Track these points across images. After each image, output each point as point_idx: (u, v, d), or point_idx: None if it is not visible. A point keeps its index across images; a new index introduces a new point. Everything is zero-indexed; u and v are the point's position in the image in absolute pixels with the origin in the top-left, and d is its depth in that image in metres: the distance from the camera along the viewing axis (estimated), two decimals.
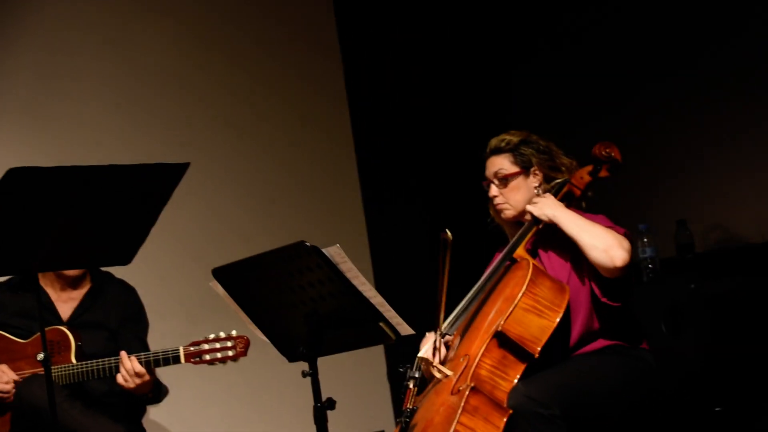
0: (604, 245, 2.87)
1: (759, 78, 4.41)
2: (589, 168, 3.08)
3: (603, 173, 3.07)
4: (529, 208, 3.05)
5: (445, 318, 3.00)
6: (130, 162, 2.57)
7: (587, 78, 5.11)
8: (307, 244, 2.53)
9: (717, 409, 3.04)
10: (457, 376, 2.80)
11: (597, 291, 2.95)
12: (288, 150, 5.22)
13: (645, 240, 4.15)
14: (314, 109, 5.32)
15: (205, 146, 4.93)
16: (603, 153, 3.05)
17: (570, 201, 3.09)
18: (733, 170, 4.52)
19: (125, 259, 2.44)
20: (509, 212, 3.14)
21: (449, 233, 2.80)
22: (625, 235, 2.94)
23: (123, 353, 3.42)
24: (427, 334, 3.15)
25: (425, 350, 2.96)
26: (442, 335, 2.97)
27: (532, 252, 3.09)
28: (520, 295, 2.83)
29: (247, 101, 5.12)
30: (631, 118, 4.87)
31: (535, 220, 3.05)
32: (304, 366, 2.64)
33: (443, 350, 2.99)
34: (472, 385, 2.72)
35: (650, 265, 4.13)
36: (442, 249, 2.82)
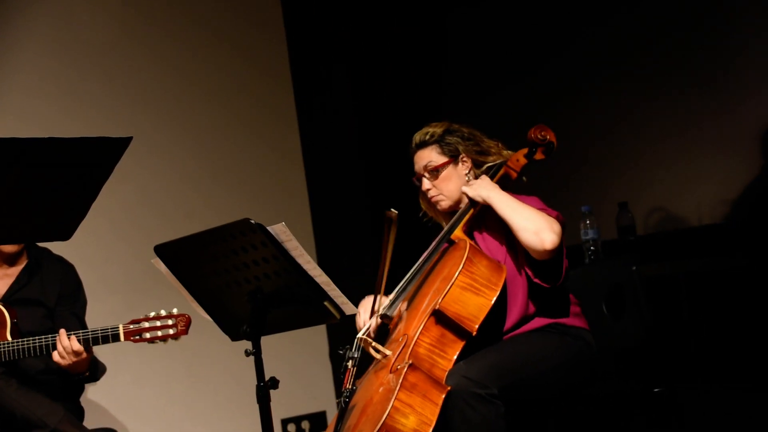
0: (535, 227, 2.89)
1: (700, 64, 4.47)
2: (525, 151, 3.12)
3: (539, 156, 3.11)
4: (464, 189, 3.07)
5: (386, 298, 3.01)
6: (69, 133, 2.51)
7: (528, 62, 5.13)
8: (252, 221, 2.50)
9: (656, 390, 3.08)
10: (395, 355, 2.81)
11: (529, 272, 2.98)
12: (233, 127, 5.19)
13: (587, 222, 4.19)
14: (259, 86, 5.30)
15: (149, 121, 4.87)
16: (539, 136, 3.09)
17: (506, 183, 3.13)
18: (674, 155, 4.58)
19: (65, 235, 2.38)
20: (445, 203, 3.16)
21: (394, 211, 2.80)
22: (557, 218, 2.97)
23: (62, 331, 3.36)
24: (366, 297, 3.15)
25: (364, 330, 2.97)
26: (383, 317, 2.97)
27: (468, 235, 3.11)
28: (457, 273, 2.85)
29: (192, 77, 5.07)
30: (575, 102, 4.92)
31: (471, 202, 3.07)
32: (247, 345, 2.62)
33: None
34: (410, 362, 2.73)
35: (592, 247, 4.17)
36: (387, 227, 2.82)
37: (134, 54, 4.89)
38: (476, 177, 3.13)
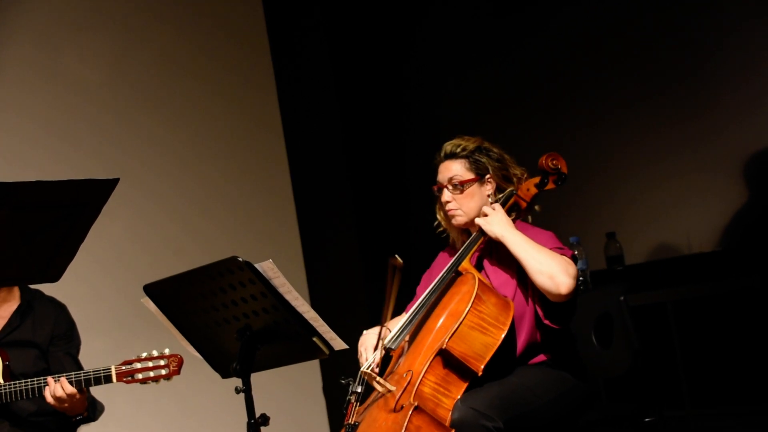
0: (550, 272, 2.86)
1: (688, 94, 4.51)
2: (536, 180, 3.07)
3: (549, 185, 3.06)
4: (479, 221, 3.03)
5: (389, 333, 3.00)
6: (59, 176, 2.52)
7: (519, 90, 5.16)
8: (240, 259, 2.51)
9: (647, 419, 3.09)
10: (400, 391, 2.80)
11: (540, 313, 2.96)
12: (221, 163, 5.20)
13: (576, 252, 4.19)
14: (247, 123, 5.32)
15: (136, 160, 4.88)
16: (550, 164, 3.04)
17: (516, 213, 3.09)
18: (662, 184, 4.61)
19: (53, 277, 2.39)
20: (461, 219, 3.12)
21: (399, 260, 2.79)
22: (572, 258, 2.95)
23: (49, 379, 3.35)
24: (366, 332, 3.13)
25: (367, 364, 2.95)
26: (386, 349, 2.96)
27: (478, 264, 3.09)
28: (466, 312, 2.82)
29: (179, 114, 5.09)
30: (562, 131, 4.94)
31: (483, 232, 3.04)
32: (237, 382, 2.62)
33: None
34: (416, 404, 2.72)
35: (581, 278, 4.18)
36: (391, 274, 2.80)
37: (123, 91, 4.91)
38: (493, 202, 3.10)
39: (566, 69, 4.95)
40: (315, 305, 2.97)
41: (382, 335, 2.95)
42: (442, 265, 3.17)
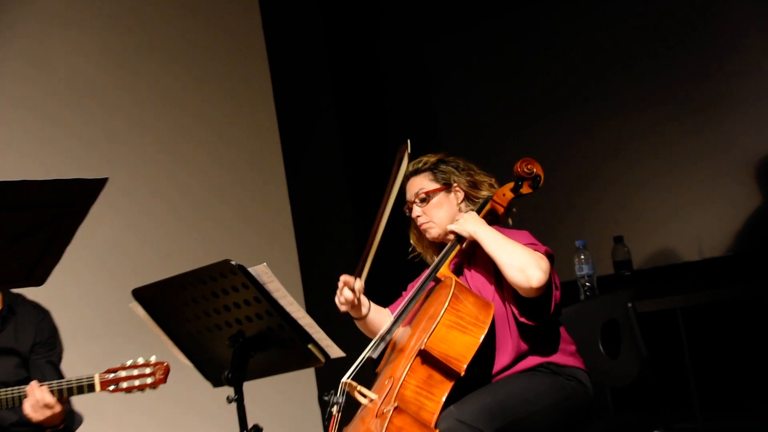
0: (521, 264, 2.92)
1: (697, 94, 4.53)
2: (511, 185, 3.16)
3: (525, 189, 3.15)
4: (450, 226, 3.11)
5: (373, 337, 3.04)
6: (44, 177, 2.55)
7: (524, 94, 5.20)
8: (233, 262, 2.53)
9: (656, 430, 3.12)
10: (381, 399, 2.81)
11: (515, 311, 3.01)
12: (213, 164, 5.22)
13: (582, 257, 4.21)
14: (241, 123, 5.34)
15: (125, 160, 4.90)
16: (525, 169, 3.14)
17: (494, 219, 3.17)
18: (672, 186, 4.63)
19: (38, 280, 2.41)
20: (434, 231, 3.20)
21: (408, 146, 2.93)
22: (546, 254, 2.99)
23: (34, 383, 3.37)
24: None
25: (348, 375, 2.97)
26: (368, 359, 3.00)
27: (456, 272, 3.15)
28: (443, 311, 2.86)
29: (170, 117, 5.11)
30: (570, 134, 4.97)
31: (458, 238, 3.10)
32: (229, 391, 2.63)
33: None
34: (396, 404, 2.72)
35: (587, 283, 4.20)
36: (399, 160, 2.92)
37: (111, 92, 4.93)
38: (467, 210, 3.17)
39: (576, 69, 4.98)
40: (311, 311, 2.99)
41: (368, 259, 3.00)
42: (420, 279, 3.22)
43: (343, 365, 3.10)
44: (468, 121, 5.45)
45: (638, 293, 3.57)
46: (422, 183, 3.22)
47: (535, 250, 3.02)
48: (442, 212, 3.19)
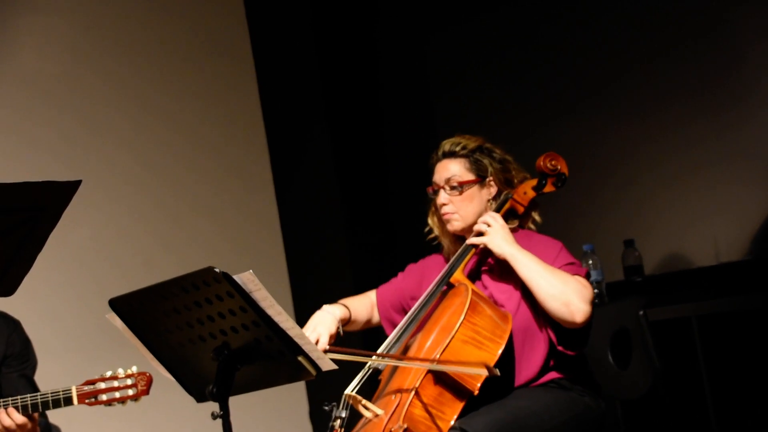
0: (564, 298, 2.86)
1: (709, 97, 4.51)
2: (533, 182, 3.08)
3: (548, 188, 3.07)
4: (482, 240, 3.01)
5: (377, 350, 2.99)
6: (14, 177, 2.50)
7: (533, 92, 5.17)
8: (216, 269, 2.49)
9: None
10: (388, 415, 2.77)
11: (553, 339, 2.95)
12: (195, 164, 5.19)
13: (590, 262, 4.21)
14: (223, 114, 5.34)
15: (101, 160, 4.87)
16: (549, 165, 3.06)
17: (513, 219, 3.09)
18: (687, 186, 4.60)
19: (7, 291, 2.36)
20: (457, 224, 3.11)
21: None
22: (586, 276, 2.94)
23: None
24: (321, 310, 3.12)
25: (352, 387, 2.93)
26: (373, 370, 2.94)
27: (474, 274, 3.07)
28: (458, 325, 2.81)
29: (149, 112, 5.09)
30: (578, 133, 4.94)
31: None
32: (214, 407, 2.58)
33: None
34: (405, 426, 2.70)
35: (596, 290, 4.17)
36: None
37: (89, 89, 4.89)
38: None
39: (590, 66, 4.95)
40: (301, 321, 2.94)
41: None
42: (434, 274, 3.14)
43: (335, 377, 3.04)
44: (470, 122, 5.40)
45: (650, 300, 3.54)
46: (456, 169, 3.10)
47: (574, 272, 2.95)
48: (471, 207, 3.09)
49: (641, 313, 3.35)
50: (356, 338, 3.22)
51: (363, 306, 3.25)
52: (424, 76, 5.60)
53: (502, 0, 5.26)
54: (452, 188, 3.10)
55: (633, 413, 3.79)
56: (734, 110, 4.44)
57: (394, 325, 3.18)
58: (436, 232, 3.21)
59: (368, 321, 3.27)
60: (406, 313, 3.16)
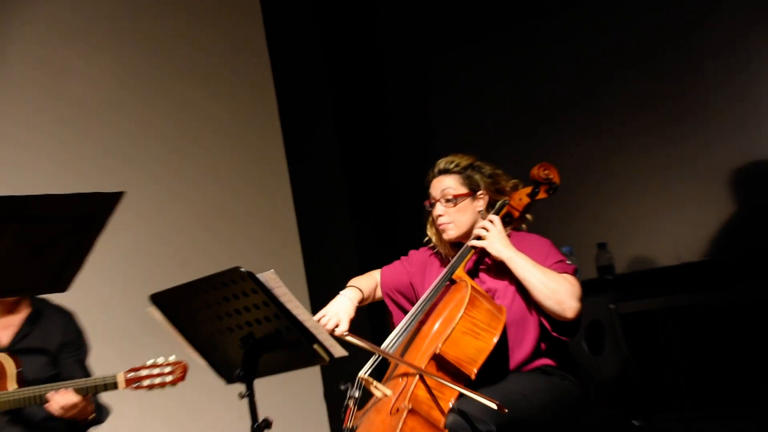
0: (557, 296, 2.87)
1: (677, 106, 4.50)
2: (528, 190, 3.07)
3: (541, 195, 3.06)
4: (481, 243, 3.02)
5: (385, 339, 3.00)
6: (66, 187, 2.52)
7: (509, 102, 5.14)
8: (242, 269, 2.50)
9: (635, 422, 3.08)
10: (396, 395, 2.80)
11: (548, 326, 2.95)
12: (224, 178, 5.20)
13: (569, 262, 4.17)
14: (249, 137, 5.33)
15: (143, 174, 4.88)
16: (542, 174, 3.05)
17: (510, 222, 3.09)
18: (653, 195, 4.59)
19: (62, 287, 2.39)
20: (452, 233, 3.12)
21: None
22: (574, 273, 2.95)
23: (50, 395, 3.33)
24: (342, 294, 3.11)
25: (365, 370, 2.94)
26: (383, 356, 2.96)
27: (473, 272, 3.08)
28: (458, 317, 2.82)
29: (184, 131, 5.09)
30: (554, 142, 4.93)
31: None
32: (240, 388, 2.61)
33: None
34: (410, 406, 2.72)
35: None
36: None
37: (129, 105, 4.90)
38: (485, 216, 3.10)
39: (559, 81, 4.93)
40: (315, 312, 2.95)
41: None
42: (436, 271, 3.17)
43: (346, 361, 3.05)
44: (462, 124, 5.37)
45: (620, 296, 3.54)
46: (450, 183, 3.11)
47: (563, 269, 2.96)
48: (464, 217, 3.10)
49: (612, 306, 3.36)
50: (366, 326, 3.22)
51: (370, 286, 3.25)
52: (425, 88, 5.57)
53: (487, 23, 5.19)
54: (447, 201, 3.11)
55: (605, 394, 3.78)
56: (693, 119, 4.42)
57: (394, 302, 3.22)
58: (434, 240, 3.22)
59: (373, 298, 3.29)
60: (404, 293, 3.21)
